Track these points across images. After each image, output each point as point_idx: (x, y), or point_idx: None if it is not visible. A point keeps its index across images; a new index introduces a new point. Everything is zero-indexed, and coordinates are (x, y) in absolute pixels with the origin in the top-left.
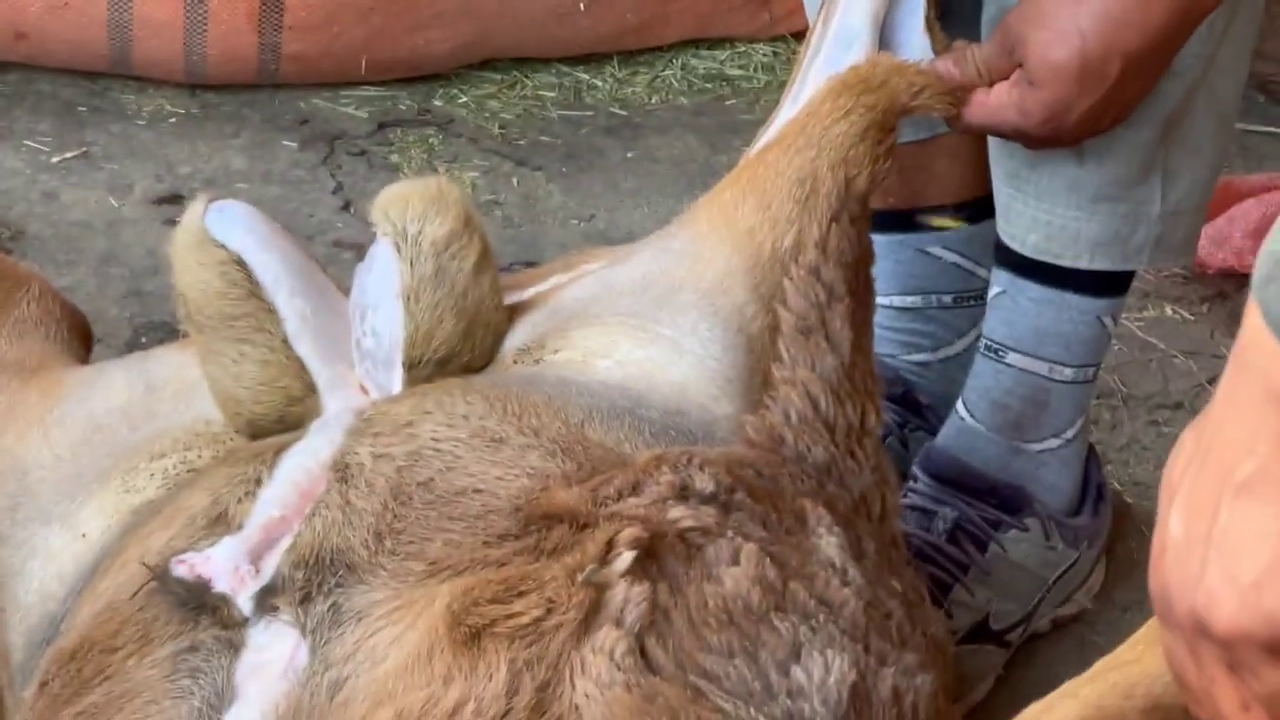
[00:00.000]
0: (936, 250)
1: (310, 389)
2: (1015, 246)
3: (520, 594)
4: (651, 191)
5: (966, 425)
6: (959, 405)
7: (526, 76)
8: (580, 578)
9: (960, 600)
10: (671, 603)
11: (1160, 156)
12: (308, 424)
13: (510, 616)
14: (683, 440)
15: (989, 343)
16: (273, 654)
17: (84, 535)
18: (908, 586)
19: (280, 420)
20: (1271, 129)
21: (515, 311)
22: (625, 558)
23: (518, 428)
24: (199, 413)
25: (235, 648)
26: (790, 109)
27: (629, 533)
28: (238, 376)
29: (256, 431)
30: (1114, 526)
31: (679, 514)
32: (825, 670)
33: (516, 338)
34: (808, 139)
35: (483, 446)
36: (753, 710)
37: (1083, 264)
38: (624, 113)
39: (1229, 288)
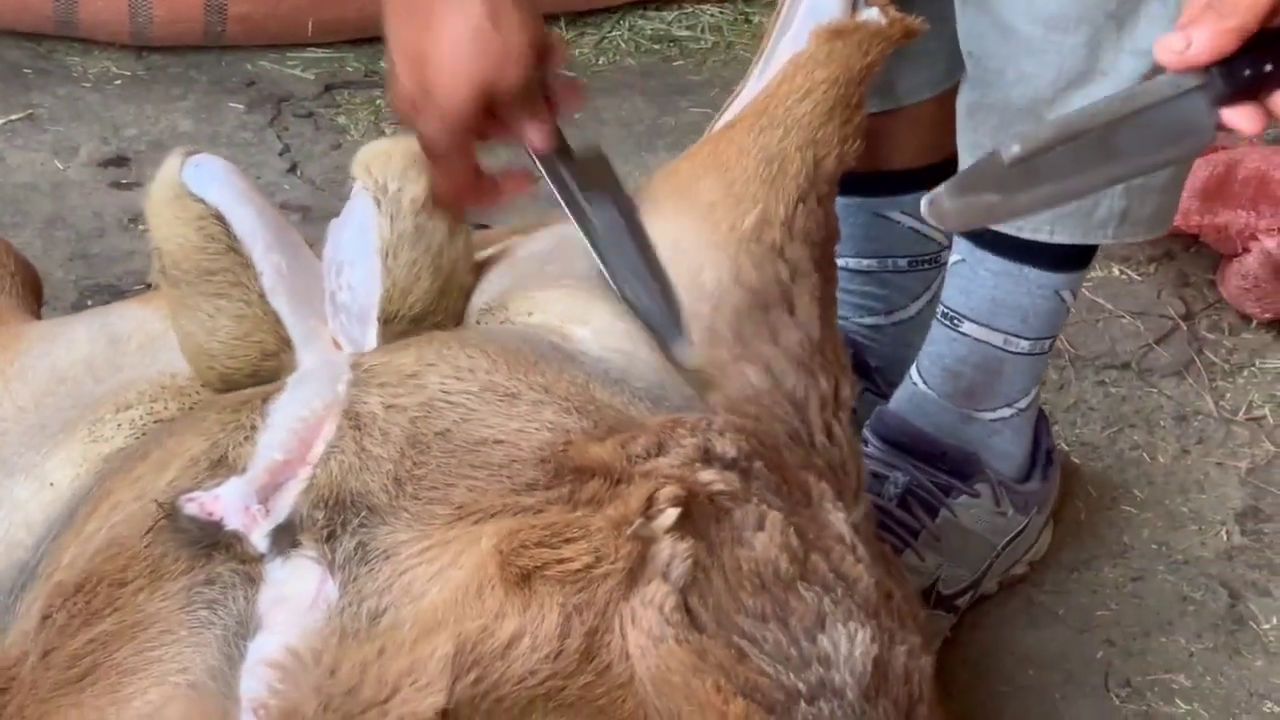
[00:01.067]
0: (894, 215)
1: (285, 344)
2: None
3: (568, 540)
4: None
5: (919, 391)
6: (913, 371)
7: None
8: (629, 530)
9: (910, 565)
10: (710, 563)
11: None
12: (283, 378)
13: (560, 561)
14: (674, 411)
15: (945, 310)
16: (296, 588)
17: (51, 484)
18: (893, 565)
19: (254, 375)
20: None
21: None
22: (670, 514)
23: (527, 384)
24: (164, 366)
25: (254, 581)
26: (756, 83)
27: (670, 490)
28: (213, 331)
29: (229, 386)
30: (1060, 487)
31: (710, 477)
32: (850, 642)
33: (481, 296)
34: (771, 119)
35: (496, 400)
36: (791, 675)
37: (1043, 236)
38: (571, 74)
39: (1176, 248)
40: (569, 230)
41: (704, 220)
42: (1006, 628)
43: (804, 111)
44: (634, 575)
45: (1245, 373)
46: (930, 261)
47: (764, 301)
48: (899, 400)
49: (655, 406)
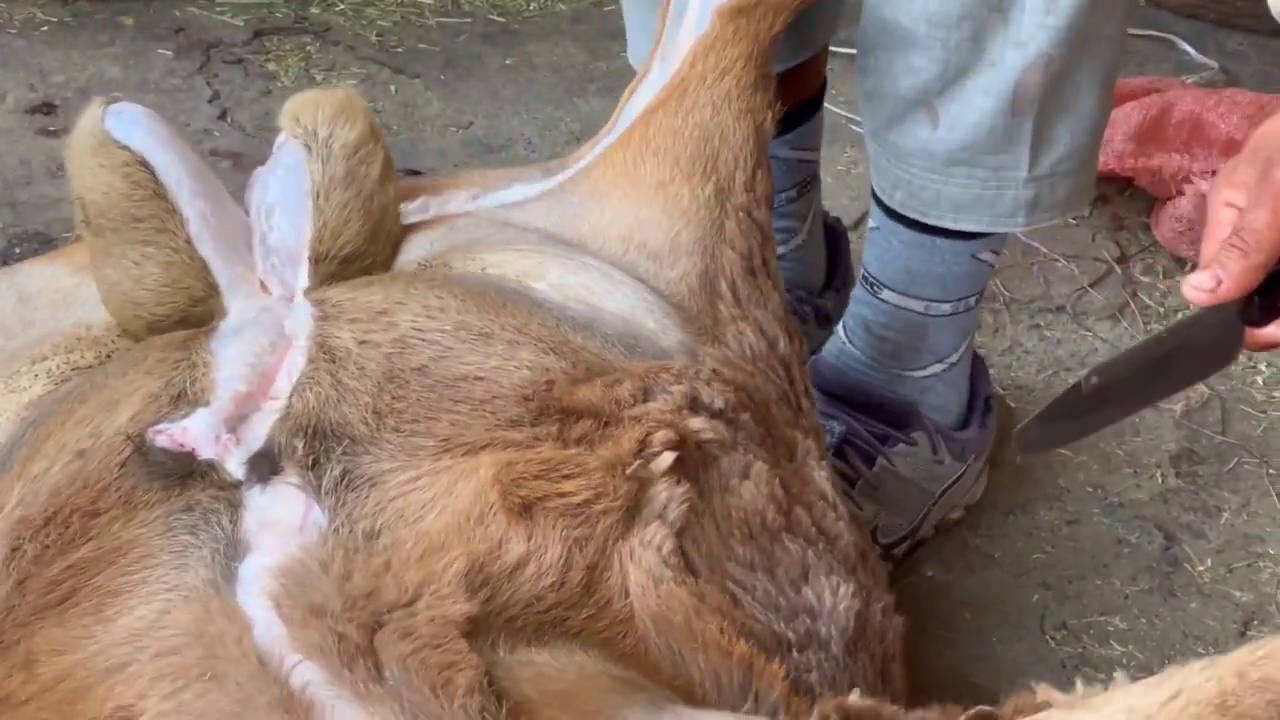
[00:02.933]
0: (783, 152)
1: (212, 289)
2: (885, 199)
3: (566, 476)
4: (530, 98)
5: (847, 349)
6: (840, 329)
7: None
8: (628, 470)
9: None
10: (702, 509)
11: (1022, 125)
12: (214, 323)
13: (561, 495)
14: (648, 359)
15: (866, 274)
16: (281, 513)
17: None
18: (860, 525)
19: (183, 321)
20: (1152, 32)
21: (408, 229)
22: (666, 457)
23: (499, 324)
24: (78, 319)
25: (235, 506)
26: (660, 71)
27: (663, 434)
28: (140, 279)
29: (154, 333)
30: (996, 431)
31: (698, 424)
32: (834, 596)
33: (413, 252)
34: (695, 99)
35: (470, 339)
36: (781, 624)
37: (947, 223)
38: (502, 19)
39: (1110, 191)
40: (509, 214)
41: (659, 196)
42: (943, 572)
43: (728, 87)
44: (631, 515)
45: (1179, 315)
46: (810, 182)
47: (750, 266)
48: (830, 353)
49: (630, 353)
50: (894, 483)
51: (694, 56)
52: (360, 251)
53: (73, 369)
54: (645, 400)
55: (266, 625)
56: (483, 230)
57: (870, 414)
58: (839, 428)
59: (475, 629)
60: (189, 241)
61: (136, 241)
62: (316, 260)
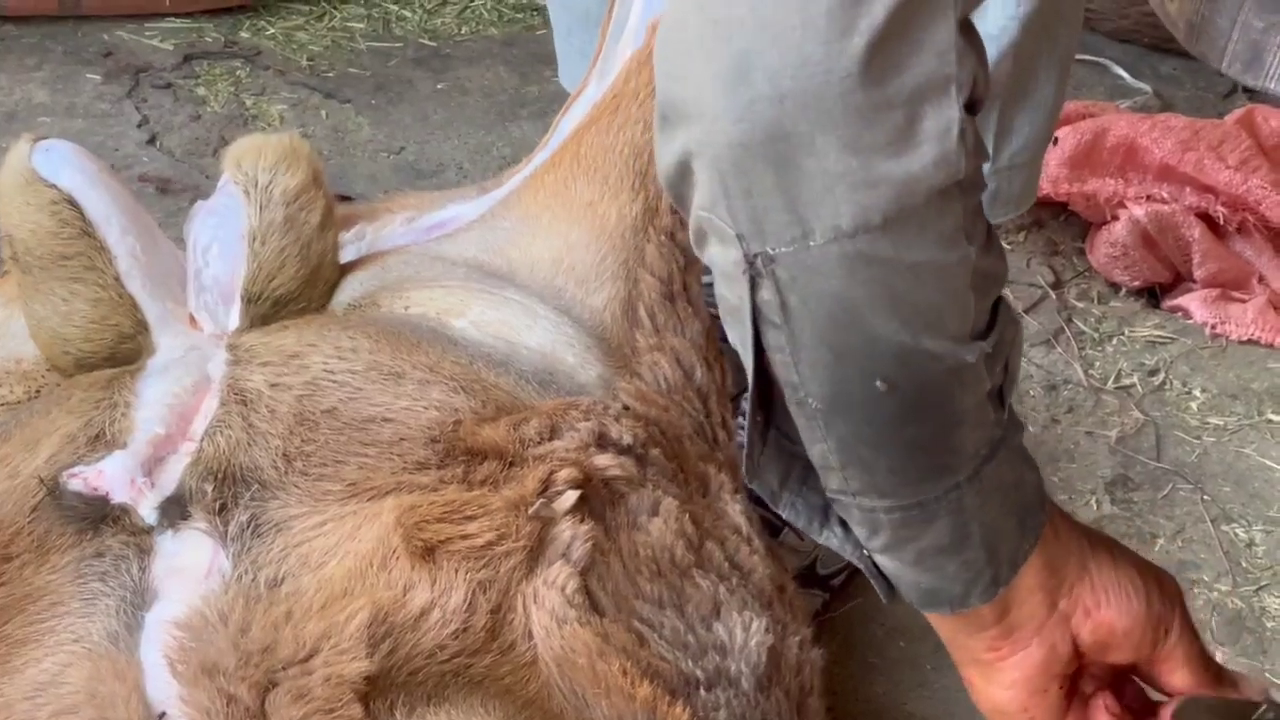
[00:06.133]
0: None
1: (141, 326)
2: None
3: (469, 518)
4: (462, 123)
5: None
6: None
7: (334, 8)
8: (530, 510)
9: (790, 545)
10: (608, 547)
11: (988, 117)
12: (142, 360)
13: (464, 537)
14: (563, 396)
15: None
16: (188, 560)
17: None
18: (776, 555)
19: (110, 358)
20: (1086, 57)
21: (343, 269)
22: (569, 496)
23: (411, 363)
24: (8, 351)
25: (145, 553)
26: (598, 86)
27: (567, 473)
28: (68, 315)
29: (83, 370)
30: None
31: (605, 462)
32: (745, 631)
33: (345, 293)
34: (627, 115)
35: (381, 379)
36: (690, 662)
37: None
38: (433, 44)
39: (1045, 216)
40: (440, 246)
41: (587, 216)
42: (876, 599)
43: None
44: (534, 556)
45: (1114, 341)
46: None
47: (670, 291)
48: None
49: (544, 390)
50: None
51: (628, 72)
52: (294, 294)
53: (1, 404)
54: (551, 439)
55: (162, 683)
56: (413, 267)
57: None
58: None
59: (373, 689)
60: (118, 279)
61: (64, 279)
62: (249, 300)
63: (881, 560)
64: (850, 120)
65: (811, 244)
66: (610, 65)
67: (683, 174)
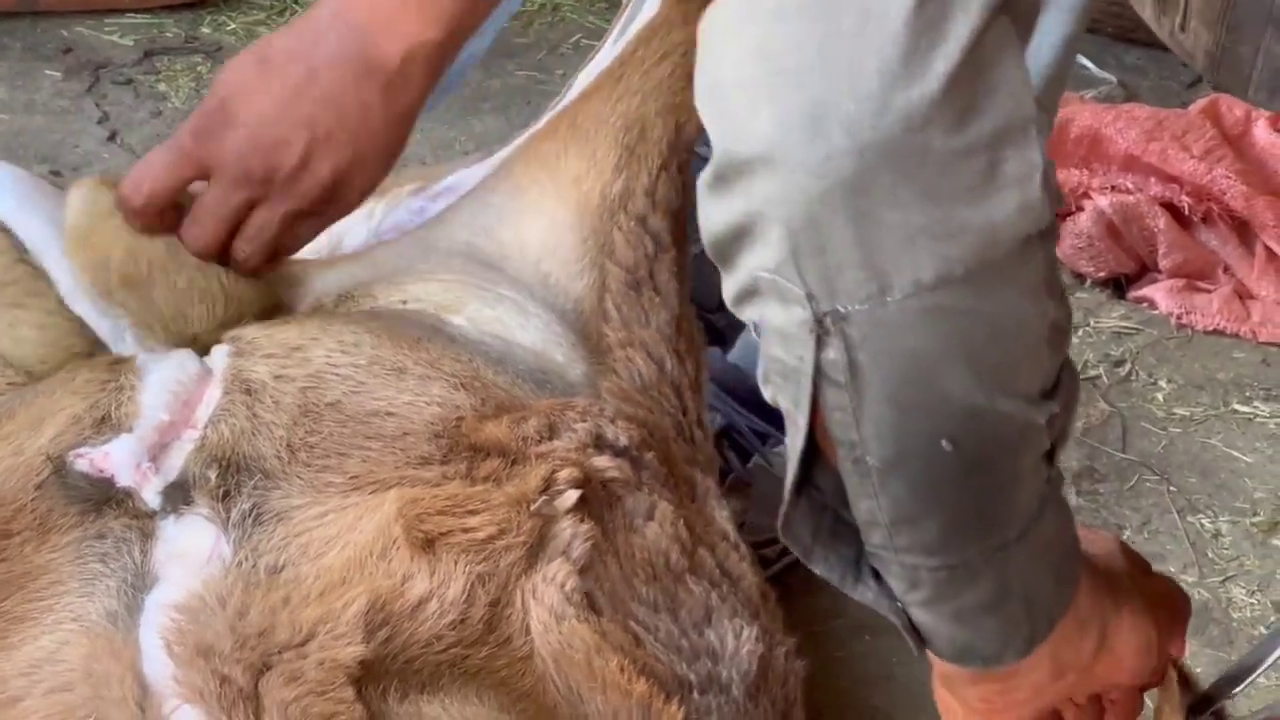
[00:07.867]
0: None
1: (95, 343)
2: None
3: (471, 512)
4: (424, 117)
5: (751, 340)
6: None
7: (295, 3)
8: (532, 506)
9: None
10: (605, 547)
11: None
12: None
13: (465, 530)
14: (558, 396)
15: None
16: (190, 545)
17: None
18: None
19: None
20: None
21: (330, 262)
22: (570, 495)
23: (413, 359)
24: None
25: (147, 537)
26: (610, 51)
27: (569, 472)
28: (17, 341)
29: None
30: None
31: (604, 463)
32: (736, 639)
33: (333, 284)
34: (628, 85)
35: (384, 374)
36: (683, 666)
37: None
38: None
39: None
40: (431, 233)
41: (573, 193)
42: (837, 592)
43: (662, 75)
44: (535, 552)
45: (1080, 332)
46: None
47: (636, 280)
48: (737, 346)
49: (539, 389)
50: (767, 482)
51: (638, 40)
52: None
53: (8, 384)
54: (551, 438)
55: (157, 663)
56: (407, 259)
57: (755, 410)
58: (720, 420)
59: (367, 674)
60: (61, 301)
61: (6, 305)
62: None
63: (917, 614)
64: (932, 168)
65: (889, 299)
66: (627, 32)
67: (739, 235)
